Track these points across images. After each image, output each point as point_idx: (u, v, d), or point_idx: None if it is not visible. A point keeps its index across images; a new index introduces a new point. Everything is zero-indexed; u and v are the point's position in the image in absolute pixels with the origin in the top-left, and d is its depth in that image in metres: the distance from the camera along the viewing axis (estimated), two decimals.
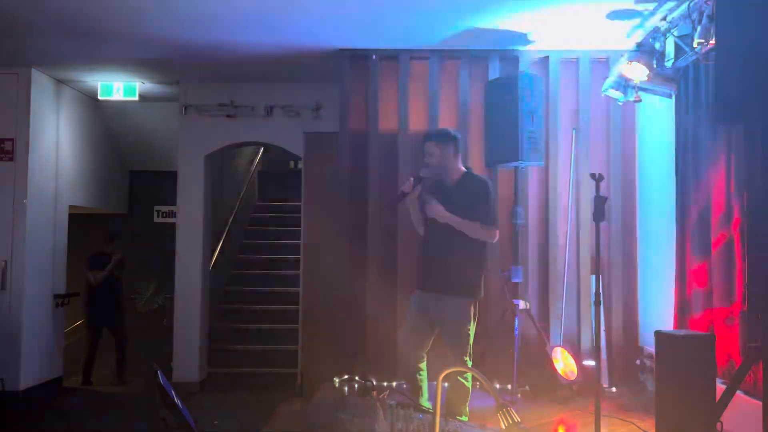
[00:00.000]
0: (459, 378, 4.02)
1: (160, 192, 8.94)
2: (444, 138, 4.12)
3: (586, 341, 5.42)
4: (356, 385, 5.31)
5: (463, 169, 4.18)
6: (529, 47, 5.51)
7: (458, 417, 3.92)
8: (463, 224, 3.94)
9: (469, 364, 4.00)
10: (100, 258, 7.56)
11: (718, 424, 3.45)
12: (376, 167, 5.67)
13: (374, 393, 4.14)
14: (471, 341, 4.00)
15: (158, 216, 9.34)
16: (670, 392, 3.59)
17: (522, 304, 5.06)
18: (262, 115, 6.85)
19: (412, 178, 4.08)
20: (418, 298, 4.16)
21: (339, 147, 5.71)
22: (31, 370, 6.31)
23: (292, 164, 10.83)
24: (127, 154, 8.85)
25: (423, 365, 4.11)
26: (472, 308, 3.99)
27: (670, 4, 4.38)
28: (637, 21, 4.84)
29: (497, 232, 4.08)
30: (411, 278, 5.49)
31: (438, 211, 3.97)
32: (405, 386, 4.46)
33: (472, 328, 3.99)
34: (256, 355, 7.40)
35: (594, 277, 4.70)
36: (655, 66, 4.66)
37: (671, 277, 4.81)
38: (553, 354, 5.15)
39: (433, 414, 2.11)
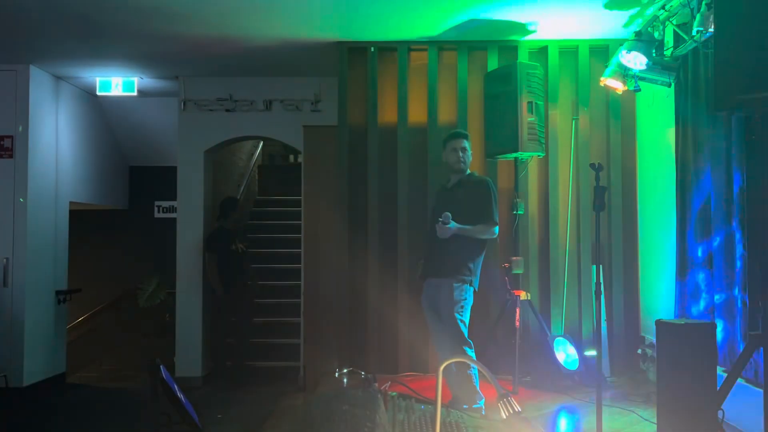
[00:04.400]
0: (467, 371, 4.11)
1: (160, 187, 8.95)
2: (469, 138, 4.53)
3: (588, 331, 5.43)
4: (358, 377, 5.32)
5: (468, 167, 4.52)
6: (528, 37, 5.50)
7: (473, 405, 4.11)
8: (470, 231, 4.23)
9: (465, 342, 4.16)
10: (220, 235, 6.76)
11: (720, 412, 3.45)
12: (376, 159, 5.67)
13: (376, 385, 4.16)
14: (461, 323, 4.17)
15: (159, 211, 9.35)
16: (671, 381, 3.59)
17: (523, 295, 5.06)
18: (262, 109, 6.85)
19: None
20: (425, 290, 4.43)
21: (338, 140, 5.71)
22: (34, 366, 6.33)
23: (291, 158, 10.82)
24: (126, 150, 8.85)
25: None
26: (457, 290, 4.18)
27: None
28: (635, 10, 4.83)
29: (497, 228, 4.35)
30: (412, 269, 5.51)
31: (450, 231, 4.18)
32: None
33: (461, 310, 4.18)
34: (258, 349, 7.42)
35: (595, 266, 4.70)
36: (654, 55, 4.65)
37: (672, 265, 4.81)
38: (554, 344, 5.15)
39: (434, 405, 2.12)
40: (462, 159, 4.43)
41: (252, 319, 7.14)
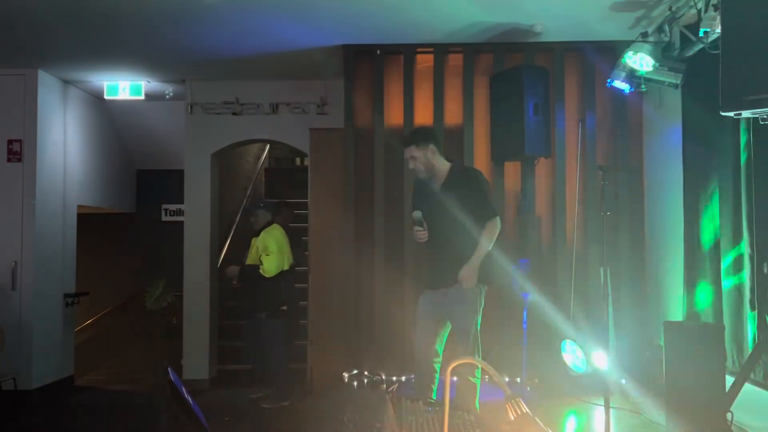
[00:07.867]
0: (469, 378, 4.02)
1: (167, 190, 8.98)
2: (423, 139, 4.00)
3: (596, 333, 5.41)
4: (365, 380, 5.33)
5: (448, 163, 4.08)
6: (534, 39, 5.49)
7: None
8: (484, 248, 3.86)
9: (479, 351, 4.04)
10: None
11: (728, 415, 3.44)
12: (382, 162, 5.68)
13: (383, 387, 4.15)
14: (477, 328, 4.03)
15: (166, 214, 9.38)
16: (679, 383, 3.59)
17: (530, 297, 5.05)
18: (268, 112, 6.87)
19: (415, 226, 3.98)
20: (428, 297, 4.11)
21: (345, 142, 5.72)
22: (43, 369, 6.36)
23: (298, 160, 10.84)
24: (134, 153, 8.88)
25: (438, 362, 4.06)
26: (480, 298, 3.98)
27: None
28: (642, 11, 4.83)
29: (498, 219, 3.95)
30: (418, 273, 5.51)
31: (469, 276, 3.86)
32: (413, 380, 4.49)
33: (479, 316, 4.02)
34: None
35: (603, 269, 4.69)
36: (661, 56, 4.64)
37: (680, 266, 4.80)
38: (562, 346, 5.14)
39: (442, 407, 2.12)
40: (415, 168, 4.03)
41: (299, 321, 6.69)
